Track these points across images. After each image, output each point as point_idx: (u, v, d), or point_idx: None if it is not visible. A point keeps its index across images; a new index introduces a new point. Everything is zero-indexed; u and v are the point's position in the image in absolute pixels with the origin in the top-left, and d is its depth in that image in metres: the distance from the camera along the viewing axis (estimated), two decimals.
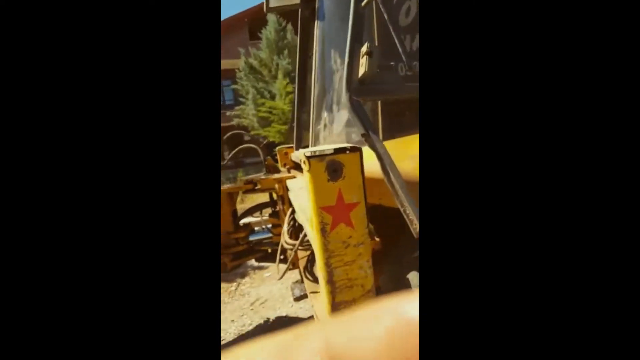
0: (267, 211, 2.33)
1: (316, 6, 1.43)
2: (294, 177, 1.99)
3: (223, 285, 3.12)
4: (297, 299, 2.70)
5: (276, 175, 2.11)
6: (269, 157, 2.27)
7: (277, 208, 2.16)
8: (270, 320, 2.46)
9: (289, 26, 9.42)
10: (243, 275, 3.36)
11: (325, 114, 1.31)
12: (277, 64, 9.08)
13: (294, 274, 2.38)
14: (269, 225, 2.42)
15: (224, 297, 2.97)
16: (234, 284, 3.21)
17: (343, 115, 1.21)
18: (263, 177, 2.15)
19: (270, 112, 6.75)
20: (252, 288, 3.09)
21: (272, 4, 2.01)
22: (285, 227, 1.81)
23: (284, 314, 2.52)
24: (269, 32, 9.41)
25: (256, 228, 2.33)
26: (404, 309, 0.11)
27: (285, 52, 9.16)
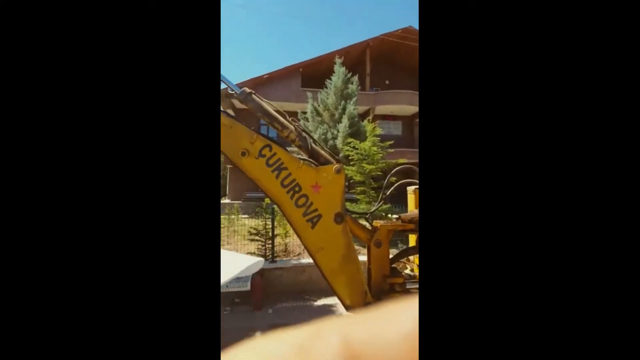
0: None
1: None
2: None
3: None
4: None
5: None
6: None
7: None
8: None
9: (355, 78, 9.95)
10: None
11: None
12: (344, 108, 9.45)
13: None
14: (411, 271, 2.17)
15: None
16: None
17: None
18: None
19: (352, 151, 6.97)
20: None
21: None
22: None
23: None
24: (336, 79, 9.86)
25: (404, 272, 2.06)
26: None
27: (355, 99, 9.58)
